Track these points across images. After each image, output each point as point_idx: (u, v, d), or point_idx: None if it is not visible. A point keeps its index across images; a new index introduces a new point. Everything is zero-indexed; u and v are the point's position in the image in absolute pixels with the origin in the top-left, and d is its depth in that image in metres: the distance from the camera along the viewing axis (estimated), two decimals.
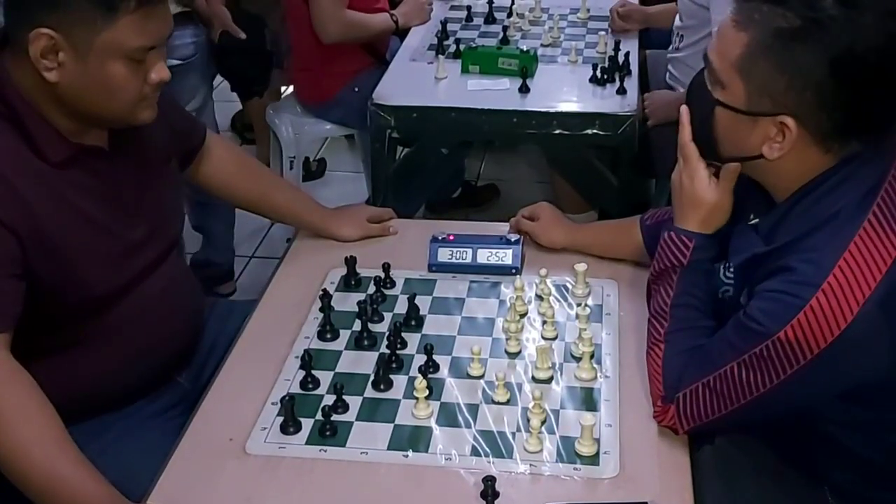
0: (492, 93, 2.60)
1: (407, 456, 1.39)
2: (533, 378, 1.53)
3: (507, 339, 1.60)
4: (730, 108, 1.32)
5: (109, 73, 1.41)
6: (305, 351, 1.55)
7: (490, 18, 3.08)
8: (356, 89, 3.03)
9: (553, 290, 1.71)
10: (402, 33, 3.08)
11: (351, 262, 1.79)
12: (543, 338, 1.62)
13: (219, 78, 3.07)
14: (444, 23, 2.96)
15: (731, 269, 1.46)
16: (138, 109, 1.48)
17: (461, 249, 1.80)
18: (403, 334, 1.61)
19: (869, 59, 1.23)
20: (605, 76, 2.61)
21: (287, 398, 1.45)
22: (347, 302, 1.71)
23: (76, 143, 1.48)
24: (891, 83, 1.27)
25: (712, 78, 1.35)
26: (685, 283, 1.46)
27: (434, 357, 1.54)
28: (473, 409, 1.47)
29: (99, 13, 1.37)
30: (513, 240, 1.82)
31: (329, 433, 1.42)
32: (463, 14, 3.12)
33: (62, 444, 1.34)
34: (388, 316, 1.68)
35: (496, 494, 1.29)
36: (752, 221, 1.42)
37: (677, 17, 2.79)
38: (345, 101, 3.07)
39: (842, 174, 1.30)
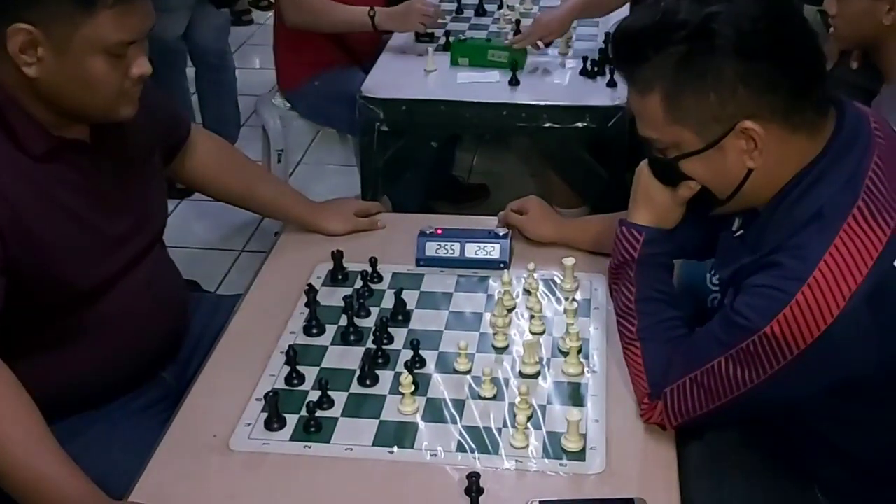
0: (481, 85, 2.59)
1: (392, 452, 1.38)
2: (520, 373, 1.52)
3: (494, 334, 1.59)
4: (692, 154, 1.32)
5: (89, 68, 1.40)
6: (291, 346, 1.54)
7: (480, 10, 3.06)
8: (316, 83, 3.00)
9: (541, 284, 1.71)
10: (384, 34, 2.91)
11: (338, 256, 1.78)
12: (531, 332, 1.61)
13: None
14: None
15: (718, 278, 1.46)
16: (119, 104, 1.46)
17: (449, 244, 1.80)
18: (390, 329, 1.60)
19: (760, 26, 1.25)
20: (595, 69, 2.60)
21: (271, 394, 1.43)
22: (334, 297, 1.70)
23: (58, 136, 1.46)
24: (790, 26, 1.28)
25: (660, 147, 1.35)
26: (645, 278, 1.45)
27: (420, 352, 1.53)
28: (459, 404, 1.46)
29: (77, 8, 1.35)
30: (501, 234, 1.81)
31: (314, 429, 1.41)
32: (453, 6, 3.11)
33: (43, 441, 1.33)
34: (374, 311, 1.67)
35: (480, 491, 1.28)
36: (738, 233, 1.41)
37: None
38: (306, 94, 3.04)
39: (817, 170, 1.30)
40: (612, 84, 2.55)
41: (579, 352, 1.53)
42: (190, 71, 3.75)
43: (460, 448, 1.38)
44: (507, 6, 3.03)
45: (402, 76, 2.69)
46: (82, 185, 1.50)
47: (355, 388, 1.50)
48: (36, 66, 1.38)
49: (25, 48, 1.36)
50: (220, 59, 3.71)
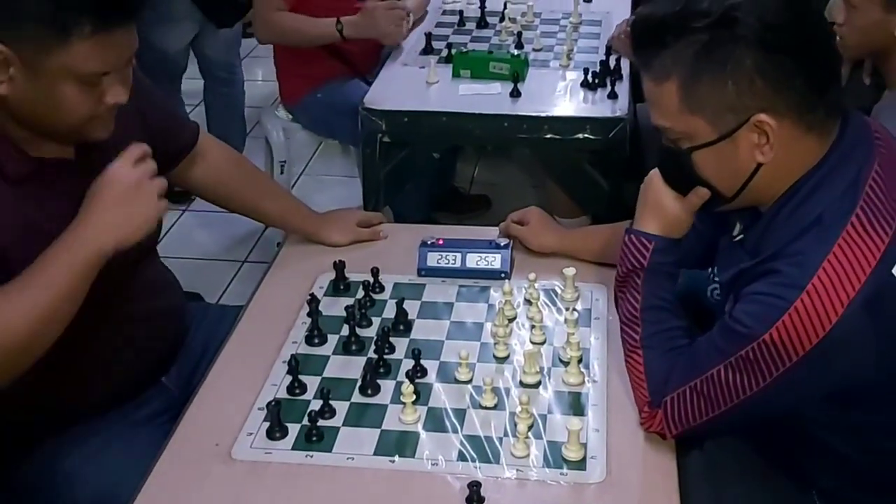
0: (483, 97, 2.60)
1: (393, 461, 1.39)
2: (521, 383, 1.52)
3: (495, 344, 1.60)
4: (705, 146, 1.32)
5: (60, 93, 1.35)
6: (293, 356, 1.55)
7: (482, 23, 3.08)
8: (318, 95, 3.02)
9: (542, 294, 1.71)
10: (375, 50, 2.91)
11: (340, 266, 1.78)
12: (532, 342, 1.61)
13: None
14: (428, 35, 2.92)
15: (717, 278, 1.46)
16: (90, 127, 1.42)
17: (450, 254, 1.80)
18: (391, 339, 1.61)
19: (783, 18, 1.26)
20: (597, 80, 2.61)
21: (273, 403, 1.44)
22: (336, 306, 1.70)
23: (37, 157, 1.42)
24: (812, 22, 1.30)
25: (673, 138, 1.35)
26: (651, 286, 1.46)
27: (422, 362, 1.54)
28: (461, 413, 1.47)
29: (50, 35, 1.31)
30: (502, 244, 1.82)
31: (315, 438, 1.42)
32: (455, 18, 3.12)
33: (16, 287, 1.34)
34: (376, 321, 1.68)
35: (482, 500, 1.28)
36: (738, 238, 1.42)
37: None
38: (308, 106, 3.07)
39: (819, 175, 1.31)
40: (613, 96, 2.56)
41: (580, 361, 1.54)
42: (199, 83, 3.78)
43: (461, 457, 1.39)
44: (509, 19, 3.04)
45: (404, 88, 2.70)
46: (66, 209, 1.42)
47: (357, 397, 1.51)
48: (7, 84, 1.34)
49: None
50: (229, 73, 3.72)
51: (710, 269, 1.59)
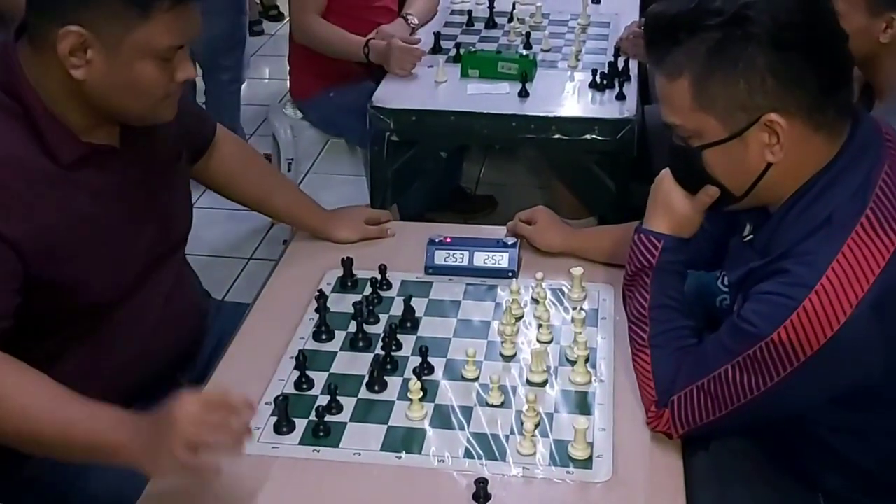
0: (491, 97, 2.60)
1: (400, 457, 1.39)
2: (527, 381, 1.53)
3: (502, 342, 1.60)
4: (715, 144, 1.32)
5: (137, 73, 1.40)
6: (300, 351, 1.55)
7: (491, 23, 3.08)
8: (331, 94, 3.04)
9: (549, 293, 1.72)
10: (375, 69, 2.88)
11: (347, 263, 1.79)
12: (538, 341, 1.62)
13: None
14: (437, 34, 2.92)
15: (727, 280, 1.47)
16: (161, 107, 1.47)
17: (458, 252, 1.81)
18: (399, 336, 1.61)
19: (796, 18, 1.26)
20: (605, 82, 2.61)
21: (281, 398, 1.44)
22: (343, 303, 1.71)
23: (87, 142, 1.45)
24: (824, 23, 1.30)
25: (684, 135, 1.36)
26: (659, 285, 1.46)
27: (429, 359, 1.55)
28: (467, 411, 1.47)
29: (132, 12, 1.36)
30: (509, 243, 1.82)
31: (322, 434, 1.42)
32: (464, 18, 3.13)
33: (57, 395, 1.30)
34: (383, 317, 1.69)
35: (488, 497, 1.29)
36: (747, 238, 1.42)
37: None
38: (319, 104, 3.09)
39: (829, 176, 1.31)
40: (620, 97, 2.56)
41: (587, 361, 1.54)
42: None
43: (468, 454, 1.39)
44: (518, 19, 3.05)
45: (413, 87, 2.70)
46: (108, 193, 1.49)
47: (364, 393, 1.51)
48: (84, 68, 1.38)
49: (75, 50, 1.36)
50: (210, 72, 3.69)
51: (719, 275, 1.60)
